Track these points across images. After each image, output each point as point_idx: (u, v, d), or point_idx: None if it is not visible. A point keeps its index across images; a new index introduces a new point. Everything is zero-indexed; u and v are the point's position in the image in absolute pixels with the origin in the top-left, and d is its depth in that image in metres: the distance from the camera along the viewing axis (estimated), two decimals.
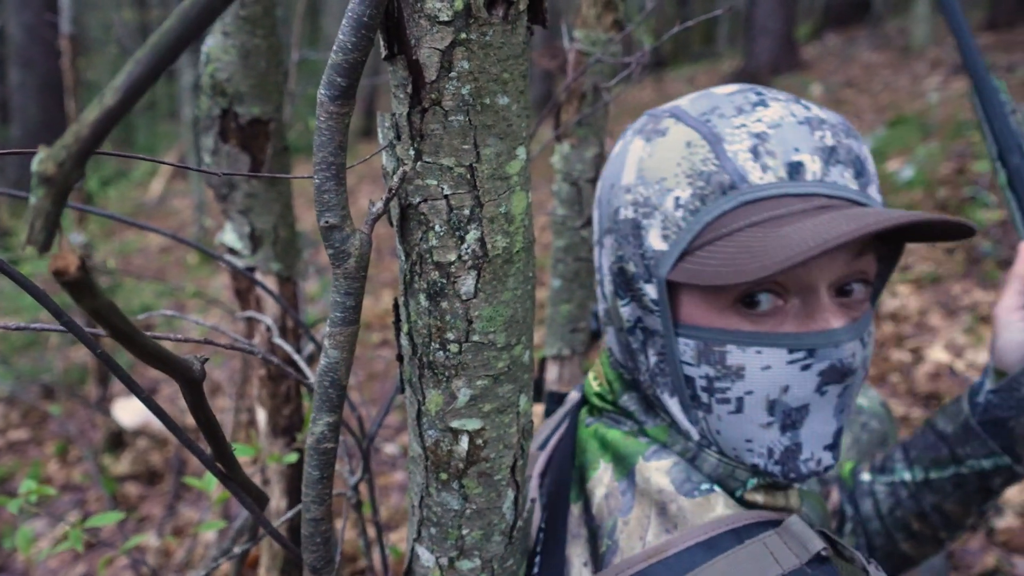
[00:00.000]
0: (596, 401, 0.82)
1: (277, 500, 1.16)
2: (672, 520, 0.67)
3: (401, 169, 0.56)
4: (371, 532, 1.95)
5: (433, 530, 0.68)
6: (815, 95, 6.80)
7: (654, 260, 0.69)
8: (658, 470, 0.71)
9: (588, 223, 1.20)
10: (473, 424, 0.63)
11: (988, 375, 0.89)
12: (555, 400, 0.99)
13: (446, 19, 0.51)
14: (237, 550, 0.91)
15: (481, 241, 0.57)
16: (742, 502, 0.72)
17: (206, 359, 0.50)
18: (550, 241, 1.21)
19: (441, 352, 0.61)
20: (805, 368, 0.67)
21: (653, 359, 0.73)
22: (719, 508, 0.67)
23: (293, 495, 1.17)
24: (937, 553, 0.99)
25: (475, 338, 0.60)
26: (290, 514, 0.85)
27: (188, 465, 2.80)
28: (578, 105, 1.17)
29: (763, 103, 0.70)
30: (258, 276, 1.11)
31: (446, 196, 0.56)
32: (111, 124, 0.32)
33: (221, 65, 1.02)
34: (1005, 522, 1.78)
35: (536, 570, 0.75)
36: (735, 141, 0.67)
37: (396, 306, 0.64)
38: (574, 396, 0.89)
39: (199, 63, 1.05)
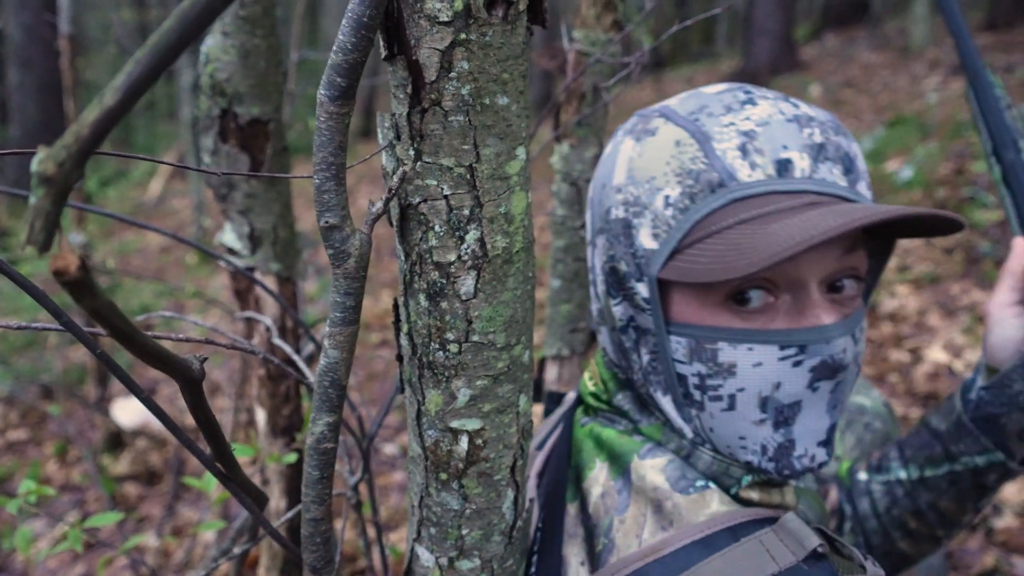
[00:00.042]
0: (591, 401, 0.82)
1: (277, 500, 1.16)
2: (668, 517, 0.68)
3: (401, 169, 0.56)
4: (371, 532, 1.95)
5: (433, 530, 0.68)
6: (814, 95, 6.81)
7: (645, 259, 0.70)
8: (653, 468, 0.71)
9: None
10: (473, 424, 0.63)
11: (980, 372, 0.89)
12: (554, 400, 0.99)
13: (446, 19, 0.51)
14: (237, 550, 0.91)
15: (481, 241, 0.57)
16: (737, 499, 0.72)
17: (205, 358, 0.50)
18: (550, 241, 1.21)
19: (441, 352, 0.61)
20: (796, 364, 0.67)
21: (646, 358, 0.74)
22: (714, 505, 0.67)
23: (293, 495, 1.17)
24: (935, 551, 0.99)
25: (475, 338, 0.60)
26: (290, 514, 0.85)
27: (187, 465, 2.79)
28: (577, 105, 1.17)
29: (751, 101, 0.70)
30: (257, 276, 1.11)
31: (446, 196, 0.56)
32: (111, 124, 0.32)
33: (220, 65, 1.02)
34: (1004, 522, 1.78)
35: (534, 569, 0.75)
36: (724, 139, 0.68)
37: (396, 306, 0.64)
38: (572, 396, 0.89)
39: (198, 63, 1.05)
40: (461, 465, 0.64)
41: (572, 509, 0.76)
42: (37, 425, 3.47)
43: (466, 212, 0.57)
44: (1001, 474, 0.87)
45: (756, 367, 0.67)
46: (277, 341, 0.98)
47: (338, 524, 1.55)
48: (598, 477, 0.75)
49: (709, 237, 0.66)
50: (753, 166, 0.66)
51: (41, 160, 0.30)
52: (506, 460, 0.66)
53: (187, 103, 6.29)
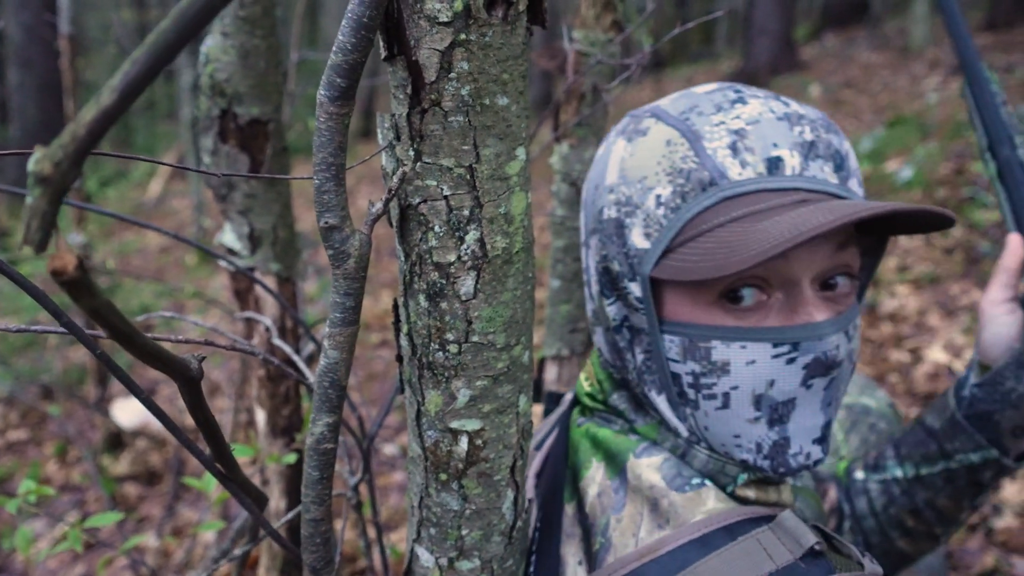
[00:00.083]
0: (587, 401, 0.82)
1: (276, 501, 1.16)
2: (664, 515, 0.68)
3: (401, 170, 0.56)
4: (371, 532, 1.94)
5: (433, 530, 0.68)
6: (814, 96, 6.81)
7: (637, 258, 0.70)
8: (649, 467, 0.71)
9: None
10: (473, 424, 0.63)
11: (973, 369, 0.89)
12: (554, 400, 1.00)
13: (446, 20, 0.51)
14: (237, 552, 0.91)
15: (481, 242, 0.57)
16: (733, 497, 0.72)
17: (203, 358, 0.50)
18: (549, 242, 1.21)
19: (441, 353, 0.61)
20: (790, 362, 0.67)
21: (640, 357, 0.74)
22: (710, 502, 0.67)
23: (292, 496, 1.16)
24: (933, 550, 0.99)
25: (475, 339, 0.60)
26: (290, 515, 0.85)
27: (187, 465, 2.79)
28: (577, 105, 1.17)
29: (742, 100, 0.71)
30: (257, 276, 1.11)
31: (446, 197, 0.56)
32: (108, 124, 0.32)
33: (220, 65, 1.02)
34: (1004, 522, 1.78)
35: (532, 569, 0.75)
36: (714, 138, 0.68)
37: (396, 307, 0.64)
38: (569, 397, 0.89)
39: (198, 63, 1.05)
40: (461, 465, 0.64)
41: (569, 509, 0.76)
42: (37, 425, 3.47)
43: (466, 212, 0.57)
44: (996, 471, 0.87)
45: (749, 365, 0.67)
46: (277, 341, 0.98)
47: (338, 524, 1.55)
48: (595, 477, 0.75)
49: (701, 236, 0.66)
50: (744, 164, 0.67)
51: (38, 160, 0.30)
52: (506, 460, 0.66)
53: (187, 103, 6.29)
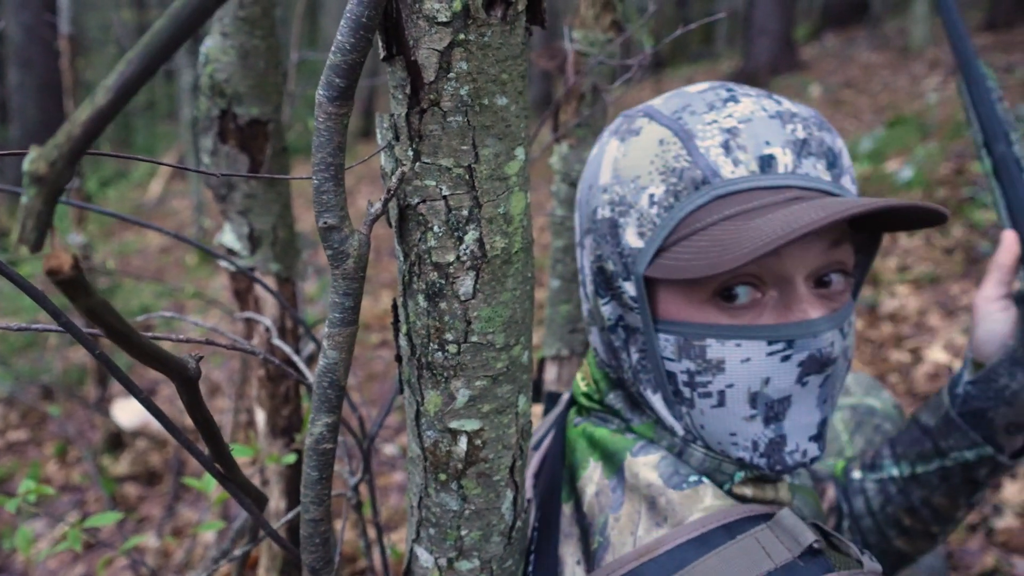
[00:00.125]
0: (583, 401, 0.82)
1: (276, 501, 1.16)
2: (662, 513, 0.68)
3: (400, 170, 0.56)
4: (371, 533, 1.94)
5: (432, 531, 0.68)
6: (814, 96, 6.81)
7: (631, 257, 0.70)
8: (646, 465, 0.71)
9: None
10: (472, 425, 0.63)
11: (967, 366, 0.89)
12: (554, 400, 1.00)
13: (445, 20, 0.51)
14: (237, 552, 0.91)
15: (480, 242, 0.57)
16: (730, 495, 0.72)
17: (200, 357, 0.50)
18: (549, 242, 1.21)
19: (440, 353, 0.61)
20: (785, 359, 0.67)
21: (635, 356, 0.74)
22: (708, 499, 0.67)
23: (292, 496, 1.16)
24: (931, 549, 0.99)
25: (474, 339, 0.60)
26: (290, 515, 0.85)
27: (187, 466, 2.79)
28: (577, 106, 1.17)
29: (734, 99, 0.71)
30: (257, 277, 1.11)
31: (444, 197, 0.56)
32: (103, 124, 0.32)
33: (220, 66, 1.02)
34: (1004, 522, 1.78)
35: (531, 568, 0.75)
36: (707, 137, 0.68)
37: (395, 307, 0.64)
38: (566, 397, 0.89)
39: (198, 64, 1.05)
40: (460, 466, 0.64)
41: (567, 509, 0.76)
42: (37, 426, 3.47)
43: (465, 213, 0.57)
44: (991, 468, 0.87)
45: (744, 363, 0.68)
46: (277, 341, 0.98)
47: (339, 524, 1.55)
48: (592, 476, 0.75)
49: (694, 234, 0.66)
50: (736, 163, 0.67)
51: (33, 160, 0.30)
52: (505, 461, 0.66)
53: (187, 104, 6.30)
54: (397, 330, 0.64)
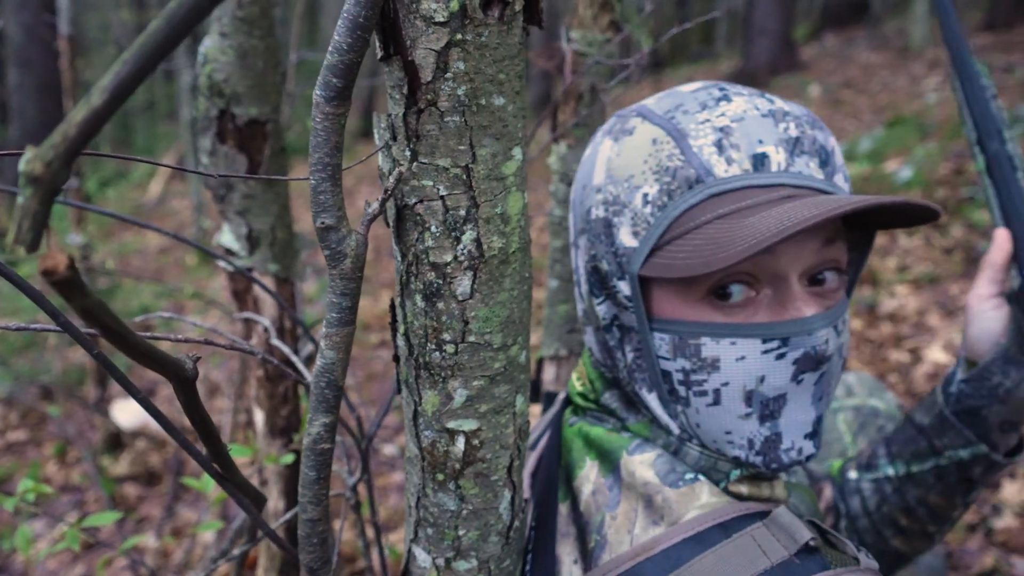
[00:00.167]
0: (579, 400, 0.82)
1: (275, 501, 1.16)
2: (658, 511, 0.68)
3: (397, 170, 0.56)
4: (370, 533, 1.95)
5: (430, 531, 0.68)
6: (813, 96, 6.81)
7: (626, 257, 0.70)
8: (642, 463, 0.71)
9: None
10: (469, 425, 0.63)
11: (960, 365, 0.89)
12: (552, 400, 1.00)
13: (442, 20, 0.51)
14: (236, 552, 0.91)
15: (477, 242, 0.57)
16: (727, 493, 0.72)
17: (198, 357, 0.50)
18: (548, 242, 1.21)
19: (437, 353, 0.61)
20: (780, 357, 0.67)
21: (630, 355, 0.74)
22: (704, 496, 0.67)
23: (291, 496, 1.16)
24: (928, 549, 0.99)
25: (471, 339, 0.60)
26: (288, 515, 0.85)
27: (187, 466, 2.79)
28: (575, 106, 1.17)
29: (726, 98, 0.71)
30: (255, 277, 1.11)
31: (442, 197, 0.56)
32: (99, 124, 0.32)
33: (218, 66, 1.02)
34: (1003, 522, 1.78)
35: (528, 568, 0.75)
36: (699, 136, 0.68)
37: (393, 307, 0.64)
38: (562, 397, 0.89)
39: (196, 64, 1.05)
40: (458, 466, 0.64)
41: (564, 508, 0.77)
42: (37, 426, 3.47)
43: (462, 213, 0.57)
44: (986, 467, 0.87)
45: (739, 361, 0.68)
46: (275, 342, 0.98)
47: (337, 524, 1.55)
48: (588, 475, 0.75)
49: (688, 233, 0.67)
50: (729, 161, 0.67)
51: (29, 160, 0.30)
52: (503, 461, 0.66)
53: (187, 104, 6.30)
54: (395, 330, 0.65)
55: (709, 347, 0.68)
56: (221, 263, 1.10)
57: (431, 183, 0.56)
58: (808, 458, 0.70)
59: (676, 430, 0.73)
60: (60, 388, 3.47)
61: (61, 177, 0.30)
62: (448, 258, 0.58)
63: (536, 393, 1.19)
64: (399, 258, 0.61)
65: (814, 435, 0.70)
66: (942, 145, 4.11)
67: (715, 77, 9.24)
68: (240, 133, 1.05)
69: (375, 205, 0.56)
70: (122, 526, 2.59)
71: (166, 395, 3.49)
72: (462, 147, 0.55)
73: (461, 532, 0.67)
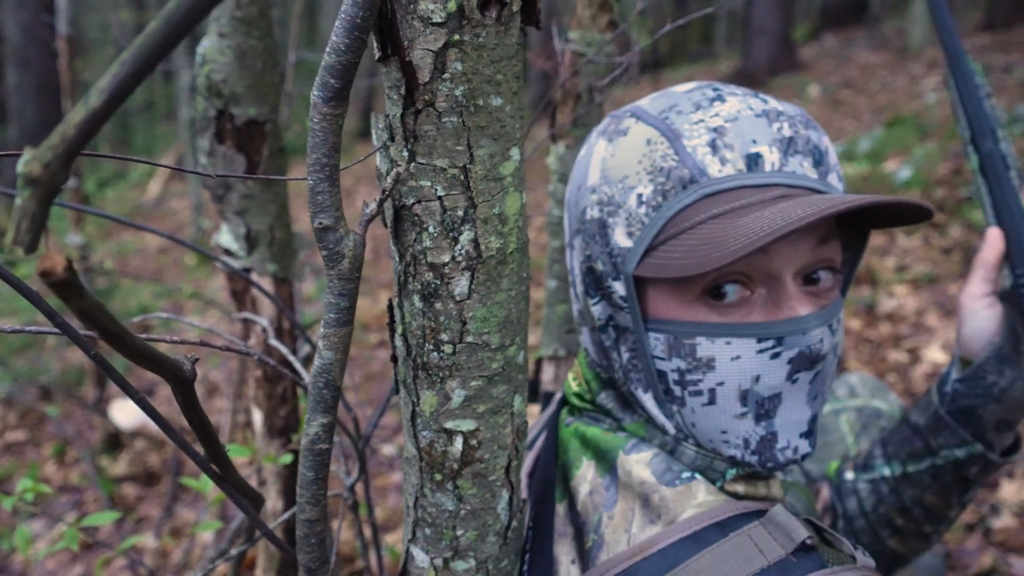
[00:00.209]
0: (575, 401, 0.82)
1: (273, 501, 1.16)
2: (655, 510, 0.68)
3: (395, 170, 0.56)
4: (368, 533, 1.94)
5: (428, 531, 0.68)
6: (812, 96, 6.81)
7: (621, 257, 0.70)
8: (639, 462, 0.71)
9: None
10: (467, 425, 0.63)
11: (955, 364, 0.89)
12: (551, 400, 1.00)
13: (439, 20, 0.51)
14: (234, 552, 0.91)
15: (475, 242, 0.57)
16: (723, 493, 0.72)
17: (196, 359, 0.50)
18: (547, 242, 1.21)
19: (435, 353, 0.61)
20: (775, 356, 0.67)
21: (626, 355, 0.74)
22: (701, 495, 0.68)
23: (289, 496, 1.16)
24: (926, 549, 0.99)
25: (469, 339, 0.60)
26: (286, 515, 0.85)
27: (185, 466, 2.79)
28: (573, 105, 1.17)
29: (720, 98, 0.71)
30: (254, 277, 1.11)
31: (440, 197, 0.56)
32: (97, 125, 0.32)
33: (217, 66, 1.02)
34: (1002, 522, 1.78)
35: (526, 568, 0.75)
36: (693, 136, 0.68)
37: (391, 307, 0.64)
38: (558, 397, 0.89)
39: (195, 64, 1.05)
40: (456, 466, 0.64)
41: (561, 508, 0.77)
42: (35, 426, 3.46)
43: (460, 213, 0.57)
44: (982, 466, 0.88)
45: (734, 360, 0.68)
46: (273, 342, 0.98)
47: (335, 525, 1.55)
48: (585, 475, 0.75)
49: (682, 233, 0.67)
50: (723, 161, 0.67)
51: (27, 161, 0.30)
52: (501, 461, 0.66)
53: (186, 104, 6.30)
54: (393, 330, 0.65)
55: (704, 347, 0.68)
56: (219, 263, 1.10)
57: (429, 183, 0.56)
58: (804, 457, 0.71)
59: (672, 430, 0.73)
60: (59, 388, 3.47)
61: (59, 178, 0.30)
62: (446, 258, 0.58)
63: (535, 393, 1.19)
64: (397, 258, 0.61)
65: (809, 434, 0.71)
66: (941, 145, 4.12)
67: (714, 77, 9.24)
68: (238, 133, 1.05)
69: (373, 205, 0.56)
70: (121, 526, 2.59)
71: (165, 395, 3.49)
72: (460, 147, 0.55)
73: (459, 532, 0.67)
